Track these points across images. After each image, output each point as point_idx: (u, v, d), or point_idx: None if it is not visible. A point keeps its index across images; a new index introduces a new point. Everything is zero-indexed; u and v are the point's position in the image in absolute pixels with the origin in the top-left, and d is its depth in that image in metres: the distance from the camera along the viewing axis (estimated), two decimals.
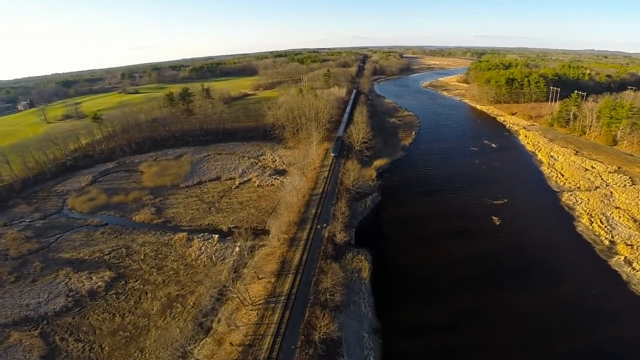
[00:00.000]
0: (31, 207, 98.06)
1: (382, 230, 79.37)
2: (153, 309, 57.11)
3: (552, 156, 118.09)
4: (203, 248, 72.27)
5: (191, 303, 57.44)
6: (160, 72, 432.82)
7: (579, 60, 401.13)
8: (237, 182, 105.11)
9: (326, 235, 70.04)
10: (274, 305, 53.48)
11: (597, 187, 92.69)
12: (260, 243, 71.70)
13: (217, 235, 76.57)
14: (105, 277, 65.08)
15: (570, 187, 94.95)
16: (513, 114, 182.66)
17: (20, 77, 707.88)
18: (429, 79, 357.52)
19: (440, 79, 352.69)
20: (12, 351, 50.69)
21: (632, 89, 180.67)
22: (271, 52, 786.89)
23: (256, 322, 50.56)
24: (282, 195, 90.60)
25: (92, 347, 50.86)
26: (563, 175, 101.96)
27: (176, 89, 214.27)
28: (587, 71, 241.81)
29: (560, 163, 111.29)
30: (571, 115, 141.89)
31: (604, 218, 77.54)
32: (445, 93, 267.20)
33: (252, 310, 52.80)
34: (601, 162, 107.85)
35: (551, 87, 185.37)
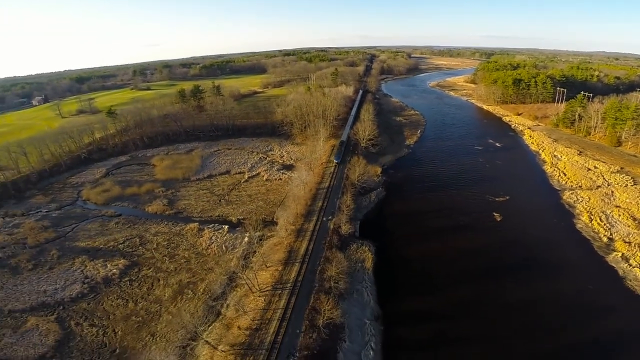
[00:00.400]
0: (47, 197, 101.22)
1: (386, 224, 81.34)
2: (165, 295, 59.01)
3: (555, 156, 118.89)
4: (213, 238, 74.62)
5: (201, 290, 59.41)
6: (171, 70, 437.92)
7: (589, 62, 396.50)
8: (246, 176, 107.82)
9: (332, 226, 72.42)
10: (280, 291, 55.70)
11: (598, 187, 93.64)
12: (269, 233, 74.08)
13: (227, 226, 78.95)
14: (119, 265, 67.24)
15: (571, 185, 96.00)
16: (519, 115, 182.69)
17: (34, 73, 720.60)
18: (436, 79, 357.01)
19: (447, 79, 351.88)
20: (28, 335, 52.19)
21: None
22: (280, 51, 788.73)
23: (263, 307, 52.69)
24: (289, 188, 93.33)
25: (106, 332, 52.58)
26: (565, 175, 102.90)
27: (187, 85, 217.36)
28: (596, 73, 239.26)
29: (563, 162, 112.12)
30: (576, 116, 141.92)
31: (604, 216, 78.75)
32: (452, 93, 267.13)
33: (259, 296, 55.01)
34: (604, 162, 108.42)
35: (558, 88, 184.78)
